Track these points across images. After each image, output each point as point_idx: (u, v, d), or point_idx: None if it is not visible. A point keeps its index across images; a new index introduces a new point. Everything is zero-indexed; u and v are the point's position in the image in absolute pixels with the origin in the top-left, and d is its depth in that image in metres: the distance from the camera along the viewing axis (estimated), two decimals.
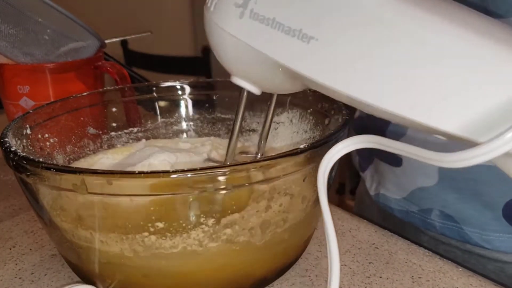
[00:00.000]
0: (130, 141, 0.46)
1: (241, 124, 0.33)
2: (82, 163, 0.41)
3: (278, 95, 0.35)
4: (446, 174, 0.42)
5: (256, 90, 0.31)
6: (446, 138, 0.23)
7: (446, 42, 0.21)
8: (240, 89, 0.31)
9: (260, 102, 0.45)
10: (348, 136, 0.33)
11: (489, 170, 0.40)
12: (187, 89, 0.47)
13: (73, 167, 0.25)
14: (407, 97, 0.22)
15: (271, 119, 0.37)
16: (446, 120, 0.21)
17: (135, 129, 0.46)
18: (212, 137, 0.48)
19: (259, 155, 0.38)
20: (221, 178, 0.25)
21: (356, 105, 0.25)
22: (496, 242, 0.41)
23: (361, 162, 0.54)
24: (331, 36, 0.23)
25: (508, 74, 0.20)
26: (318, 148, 0.28)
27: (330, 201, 0.44)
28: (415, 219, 0.46)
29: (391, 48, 0.22)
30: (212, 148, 0.45)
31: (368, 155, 0.53)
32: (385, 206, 0.49)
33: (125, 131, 0.46)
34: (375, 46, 0.22)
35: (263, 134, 0.37)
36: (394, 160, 0.47)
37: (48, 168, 0.26)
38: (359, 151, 0.54)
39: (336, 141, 0.30)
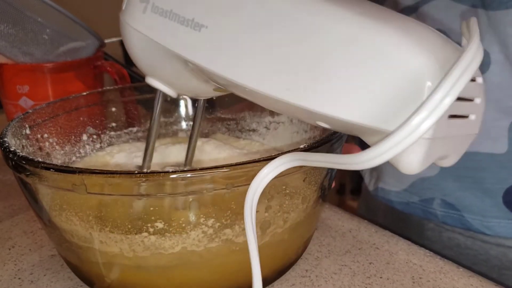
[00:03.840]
0: (130, 141, 0.46)
1: (158, 128, 0.33)
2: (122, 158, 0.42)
3: None
4: None
5: (171, 92, 0.31)
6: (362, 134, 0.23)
7: (333, 24, 0.21)
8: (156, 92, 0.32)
9: None
10: (348, 137, 0.33)
11: (489, 157, 0.41)
12: None
13: (72, 167, 0.25)
14: (303, 85, 0.22)
15: (198, 130, 0.36)
16: (351, 110, 0.21)
17: (135, 129, 0.46)
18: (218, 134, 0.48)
19: (185, 168, 0.37)
20: (221, 178, 0.25)
21: (253, 99, 0.25)
22: (496, 228, 0.42)
23: None
24: (219, 22, 0.24)
25: (400, 58, 0.20)
26: (318, 148, 0.28)
27: (331, 201, 0.44)
28: (416, 210, 0.47)
29: (272, 31, 0.22)
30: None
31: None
32: (384, 199, 0.50)
33: (125, 131, 0.46)
34: (257, 31, 0.22)
35: (190, 145, 0.37)
36: None
37: (48, 168, 0.26)
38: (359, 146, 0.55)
39: (336, 141, 0.30)
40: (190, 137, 0.37)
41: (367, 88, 0.20)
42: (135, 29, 0.27)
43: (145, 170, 0.26)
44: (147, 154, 0.34)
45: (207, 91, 0.31)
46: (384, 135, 0.20)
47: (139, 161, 0.41)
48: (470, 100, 0.22)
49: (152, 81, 0.30)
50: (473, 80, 0.22)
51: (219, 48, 0.24)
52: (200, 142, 0.41)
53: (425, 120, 0.18)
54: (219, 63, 0.24)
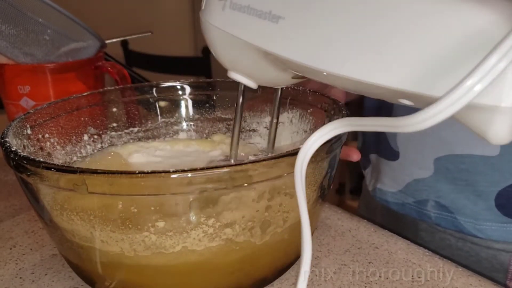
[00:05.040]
0: (131, 141, 0.46)
1: (241, 120, 0.34)
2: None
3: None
4: (441, 166, 0.43)
5: (252, 84, 0.32)
6: (407, 100, 0.23)
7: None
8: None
9: (260, 102, 0.46)
10: (348, 136, 0.33)
11: (482, 160, 0.41)
12: (187, 89, 0.47)
13: (73, 167, 0.25)
14: (361, 58, 0.22)
15: (277, 118, 0.37)
16: (389, 75, 0.21)
17: (135, 129, 0.46)
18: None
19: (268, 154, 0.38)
20: (221, 178, 0.25)
21: (328, 81, 0.26)
22: (488, 231, 0.43)
23: (363, 160, 0.55)
24: (295, 12, 0.24)
25: (448, 17, 0.19)
26: (318, 148, 0.28)
27: (330, 201, 0.44)
28: (410, 211, 0.48)
29: (347, 14, 0.22)
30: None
31: (366, 152, 0.54)
32: (381, 200, 0.50)
33: (126, 131, 0.46)
34: (332, 16, 0.23)
35: (270, 135, 0.38)
36: (391, 154, 0.48)
37: (49, 168, 0.26)
38: (361, 149, 0.55)
39: (336, 141, 0.30)
40: (270, 127, 0.38)
41: (422, 54, 0.20)
42: (215, 26, 0.28)
43: (144, 170, 0.26)
44: (233, 144, 0.35)
45: (285, 80, 0.32)
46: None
47: (156, 159, 0.42)
48: None
49: (233, 75, 0.32)
50: None
51: (297, 38, 0.24)
52: None
53: (478, 83, 0.18)
54: (298, 52, 0.25)
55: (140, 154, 0.43)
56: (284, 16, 0.25)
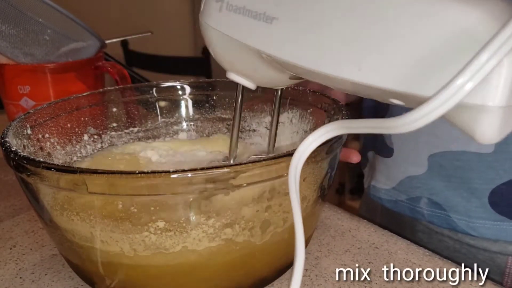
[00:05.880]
0: (131, 141, 0.46)
1: (240, 120, 0.34)
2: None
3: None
4: (435, 162, 0.43)
5: (250, 85, 0.32)
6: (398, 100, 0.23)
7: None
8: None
9: (260, 102, 0.46)
10: (348, 136, 0.33)
11: (477, 157, 0.41)
12: (187, 89, 0.47)
13: (73, 167, 0.25)
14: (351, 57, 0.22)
15: (277, 118, 0.37)
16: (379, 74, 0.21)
17: (136, 129, 0.46)
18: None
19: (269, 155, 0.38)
20: (221, 178, 0.25)
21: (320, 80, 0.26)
22: (481, 229, 0.42)
23: (362, 159, 0.55)
24: (288, 13, 0.25)
25: (438, 14, 0.19)
26: (318, 148, 0.28)
27: (330, 201, 0.44)
28: (403, 208, 0.47)
29: (338, 15, 0.22)
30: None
31: (365, 151, 0.54)
32: (375, 197, 0.51)
33: (126, 131, 0.46)
34: (325, 18, 0.23)
35: (271, 134, 0.38)
36: (386, 150, 0.48)
37: (49, 168, 0.26)
38: (361, 149, 0.55)
39: (336, 142, 0.30)
40: (271, 127, 0.38)
41: (410, 53, 0.20)
42: (213, 28, 0.28)
43: (147, 170, 0.26)
44: (232, 145, 0.35)
45: (283, 81, 0.32)
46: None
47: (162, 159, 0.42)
48: None
49: (232, 76, 0.32)
50: None
51: (290, 38, 0.25)
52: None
53: (468, 82, 0.18)
54: (291, 53, 0.25)
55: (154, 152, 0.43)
56: (278, 17, 0.25)
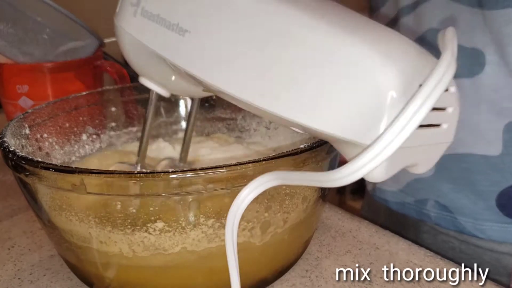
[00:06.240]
0: (130, 141, 0.46)
1: (151, 126, 0.34)
2: None
3: None
4: (442, 165, 0.43)
5: (163, 92, 0.32)
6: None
7: (309, 35, 0.21)
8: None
9: None
10: None
11: (483, 160, 0.41)
12: None
13: (72, 167, 0.25)
14: (286, 95, 0.22)
15: (192, 128, 0.37)
16: (320, 120, 0.21)
17: (134, 129, 0.46)
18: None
19: (181, 164, 0.38)
20: (220, 178, 0.25)
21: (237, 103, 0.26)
22: (488, 231, 0.42)
23: None
24: (199, 28, 0.24)
25: (368, 70, 0.20)
26: (318, 148, 0.28)
27: (331, 201, 0.44)
28: (410, 210, 0.47)
29: (244, 39, 0.23)
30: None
31: None
32: (381, 199, 0.50)
33: (125, 130, 0.46)
34: (232, 38, 0.23)
35: (185, 143, 0.38)
36: None
37: (47, 168, 0.26)
38: None
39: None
40: (185, 136, 0.38)
41: (335, 99, 0.20)
42: (127, 32, 0.28)
43: (144, 170, 0.26)
44: (141, 151, 0.34)
45: (197, 92, 0.32)
46: (357, 146, 0.20)
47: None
48: (443, 109, 0.22)
49: (145, 81, 0.32)
50: (446, 90, 0.22)
51: (199, 53, 0.24)
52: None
53: (398, 135, 0.18)
54: (199, 68, 0.25)
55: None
56: (190, 30, 0.25)
